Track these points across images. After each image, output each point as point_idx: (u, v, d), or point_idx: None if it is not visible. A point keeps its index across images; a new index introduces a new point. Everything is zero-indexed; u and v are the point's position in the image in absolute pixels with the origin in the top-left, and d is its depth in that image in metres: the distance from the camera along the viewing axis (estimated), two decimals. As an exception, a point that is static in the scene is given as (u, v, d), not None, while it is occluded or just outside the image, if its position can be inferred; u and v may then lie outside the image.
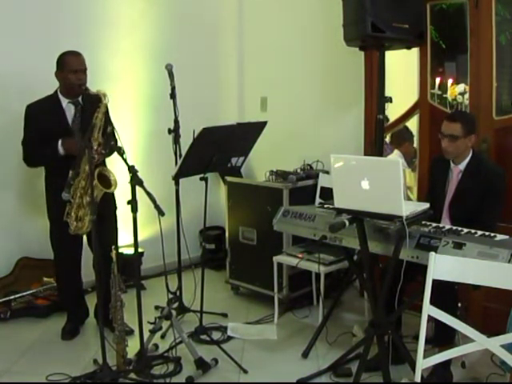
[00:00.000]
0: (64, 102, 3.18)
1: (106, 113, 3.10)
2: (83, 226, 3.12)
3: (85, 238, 3.32)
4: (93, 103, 3.04)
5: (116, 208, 3.42)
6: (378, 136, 3.58)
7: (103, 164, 3.20)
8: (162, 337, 3.21)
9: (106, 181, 3.02)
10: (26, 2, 3.60)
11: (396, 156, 4.36)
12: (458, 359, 2.76)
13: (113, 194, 3.32)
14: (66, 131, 3.15)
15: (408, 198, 3.87)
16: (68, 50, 3.15)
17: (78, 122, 3.18)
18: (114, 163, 3.77)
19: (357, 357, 2.84)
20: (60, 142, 3.09)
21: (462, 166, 2.88)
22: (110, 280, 2.76)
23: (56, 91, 3.21)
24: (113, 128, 2.74)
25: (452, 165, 2.92)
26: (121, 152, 2.57)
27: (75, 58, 3.11)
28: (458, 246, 2.38)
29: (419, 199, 3.58)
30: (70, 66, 3.08)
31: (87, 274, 3.45)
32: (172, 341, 2.96)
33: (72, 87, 3.10)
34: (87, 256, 3.34)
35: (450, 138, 2.80)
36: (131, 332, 3.17)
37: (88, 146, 2.74)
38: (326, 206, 3.22)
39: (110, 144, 2.72)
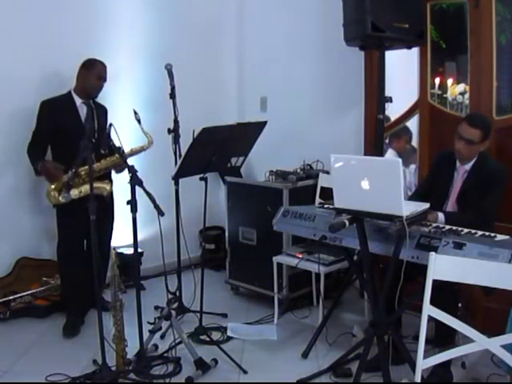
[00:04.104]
0: (78, 101, 3.38)
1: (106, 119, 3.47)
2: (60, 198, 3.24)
3: None
4: (99, 110, 3.40)
5: (113, 207, 3.53)
6: (378, 136, 3.58)
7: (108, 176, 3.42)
8: (162, 337, 3.21)
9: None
10: (26, 2, 3.59)
11: (391, 155, 4.34)
12: (458, 359, 2.77)
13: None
14: (79, 128, 3.24)
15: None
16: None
17: (91, 121, 3.35)
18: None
19: (357, 357, 2.84)
20: (41, 163, 3.23)
21: (468, 166, 2.88)
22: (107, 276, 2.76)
23: (69, 91, 3.39)
24: (110, 126, 2.74)
25: (458, 164, 2.92)
26: (120, 152, 2.57)
27: (104, 67, 3.42)
28: (458, 246, 2.38)
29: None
30: (99, 71, 3.38)
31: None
32: (172, 341, 2.95)
33: (91, 89, 3.39)
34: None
35: (467, 141, 2.79)
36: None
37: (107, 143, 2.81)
38: (326, 206, 3.22)
39: (109, 144, 2.74)
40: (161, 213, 2.49)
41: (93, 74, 3.36)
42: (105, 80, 3.44)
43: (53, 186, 3.24)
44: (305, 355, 3.05)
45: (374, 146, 3.67)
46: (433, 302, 1.93)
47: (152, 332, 3.00)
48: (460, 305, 2.68)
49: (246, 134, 3.18)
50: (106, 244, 3.42)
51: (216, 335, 3.30)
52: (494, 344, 1.86)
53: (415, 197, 3.02)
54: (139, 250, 3.64)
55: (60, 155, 3.33)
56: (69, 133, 3.24)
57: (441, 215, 2.75)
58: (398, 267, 2.50)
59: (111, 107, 3.77)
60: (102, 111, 3.55)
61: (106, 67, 3.44)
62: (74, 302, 3.41)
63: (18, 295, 3.53)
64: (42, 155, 3.32)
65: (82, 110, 3.39)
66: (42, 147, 3.36)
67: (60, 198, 3.24)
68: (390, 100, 3.53)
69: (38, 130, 3.35)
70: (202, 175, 3.09)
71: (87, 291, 3.46)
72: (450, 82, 3.72)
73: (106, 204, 3.42)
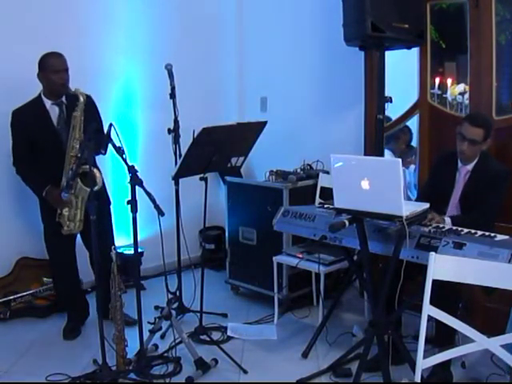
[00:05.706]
0: (47, 103, 3.22)
1: (96, 111, 3.23)
2: (75, 226, 3.18)
3: (79, 236, 3.36)
4: (74, 102, 3.12)
5: (110, 203, 3.48)
6: (378, 136, 3.58)
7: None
8: (162, 337, 3.21)
9: (91, 179, 3.04)
10: (26, 1, 3.59)
11: (387, 156, 4.32)
12: (458, 359, 2.77)
13: (105, 189, 3.39)
14: (53, 133, 3.18)
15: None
16: (51, 51, 3.17)
17: (63, 123, 3.20)
18: (113, 163, 3.79)
19: (357, 357, 2.84)
20: (47, 188, 3.13)
21: (471, 166, 2.88)
22: (110, 279, 2.74)
23: (39, 94, 3.24)
24: (110, 125, 2.70)
25: (460, 164, 2.92)
26: (120, 152, 2.57)
27: (57, 59, 3.16)
28: (458, 245, 2.38)
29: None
30: (53, 67, 3.13)
31: (89, 273, 3.45)
32: (172, 341, 2.95)
33: (55, 87, 3.15)
34: (85, 255, 3.36)
35: (471, 142, 2.79)
36: (134, 323, 3.02)
37: (86, 146, 2.73)
38: (326, 206, 3.22)
39: (105, 142, 2.72)
40: (161, 213, 2.49)
41: (49, 71, 3.12)
42: (66, 70, 3.17)
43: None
44: (305, 355, 3.05)
45: (374, 146, 3.67)
46: (434, 302, 1.93)
47: (152, 332, 3.00)
48: (460, 305, 2.68)
49: (246, 134, 3.18)
50: (106, 246, 3.37)
51: (216, 335, 3.30)
52: (494, 344, 1.86)
53: (418, 201, 3.00)
54: (139, 250, 3.64)
55: (37, 163, 3.21)
56: (42, 139, 3.14)
57: (448, 220, 2.75)
58: (397, 267, 2.50)
59: (111, 107, 3.78)
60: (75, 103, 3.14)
61: (63, 56, 3.18)
62: (73, 313, 3.40)
63: (18, 295, 3.53)
64: (38, 176, 3.18)
65: (54, 113, 3.21)
66: (31, 162, 3.21)
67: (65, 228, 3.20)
68: (390, 100, 3.53)
69: (17, 144, 3.21)
70: (202, 175, 3.09)
71: (85, 300, 3.49)
72: (449, 81, 3.72)
73: (100, 203, 3.36)
